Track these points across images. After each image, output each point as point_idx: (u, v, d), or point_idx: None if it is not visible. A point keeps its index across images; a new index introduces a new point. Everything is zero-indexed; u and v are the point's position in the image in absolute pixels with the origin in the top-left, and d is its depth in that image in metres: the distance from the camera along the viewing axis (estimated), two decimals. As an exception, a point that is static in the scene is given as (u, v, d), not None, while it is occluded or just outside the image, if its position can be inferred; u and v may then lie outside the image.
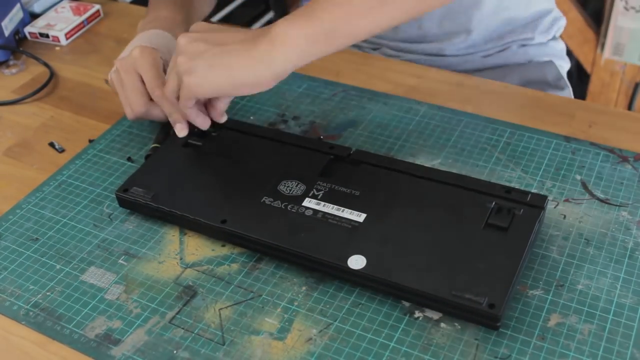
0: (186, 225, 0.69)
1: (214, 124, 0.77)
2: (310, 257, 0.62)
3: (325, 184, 0.69)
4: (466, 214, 0.64)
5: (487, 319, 0.57)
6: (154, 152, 0.77)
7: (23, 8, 1.05)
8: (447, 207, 0.65)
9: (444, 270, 0.59)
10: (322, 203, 0.67)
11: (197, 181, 0.72)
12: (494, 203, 0.64)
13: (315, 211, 0.66)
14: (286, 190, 0.68)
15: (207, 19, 1.11)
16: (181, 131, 0.75)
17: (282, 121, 0.84)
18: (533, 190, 0.71)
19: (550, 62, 1.03)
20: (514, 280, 0.58)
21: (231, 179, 0.71)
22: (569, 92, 1.03)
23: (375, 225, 0.64)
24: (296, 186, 0.69)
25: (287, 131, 0.82)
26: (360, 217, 0.65)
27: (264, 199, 0.68)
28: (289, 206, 0.67)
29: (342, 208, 0.66)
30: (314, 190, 0.68)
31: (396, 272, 0.60)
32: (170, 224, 0.71)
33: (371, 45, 1.05)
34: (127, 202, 0.71)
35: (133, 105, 0.77)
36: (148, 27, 0.84)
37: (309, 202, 0.67)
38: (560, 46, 1.08)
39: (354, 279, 0.61)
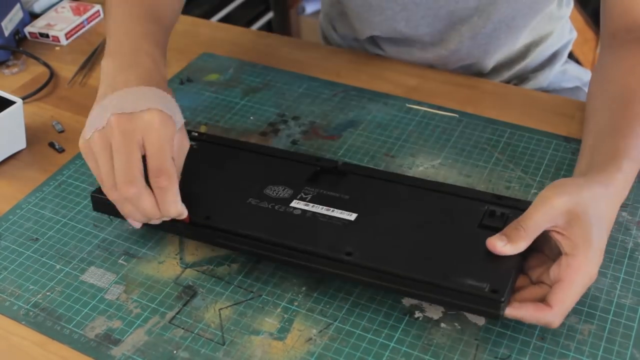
0: (166, 227, 0.65)
1: (195, 138, 0.75)
2: (303, 249, 0.60)
3: (313, 189, 0.67)
4: (459, 216, 0.63)
5: (489, 306, 0.54)
6: None
7: (23, 8, 1.05)
8: (440, 211, 0.64)
9: (443, 260, 0.58)
10: (311, 204, 0.65)
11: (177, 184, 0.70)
12: (486, 207, 0.63)
13: (305, 211, 0.64)
14: (273, 193, 0.67)
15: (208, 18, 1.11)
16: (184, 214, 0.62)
17: (282, 121, 0.84)
18: (533, 191, 0.71)
19: (579, 88, 0.99)
20: (515, 268, 0.56)
21: (214, 184, 0.69)
22: None
23: (368, 222, 0.63)
24: (283, 190, 0.67)
25: (287, 131, 0.82)
26: (351, 216, 0.63)
27: (249, 200, 0.66)
28: (277, 206, 0.65)
29: (332, 209, 0.64)
30: (302, 194, 0.66)
31: (394, 262, 0.58)
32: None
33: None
34: (102, 203, 0.66)
35: (125, 184, 0.59)
36: (134, 79, 0.64)
37: (297, 204, 0.65)
38: (574, 68, 1.03)
39: (350, 271, 0.59)
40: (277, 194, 0.67)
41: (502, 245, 0.56)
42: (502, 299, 0.54)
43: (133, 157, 0.59)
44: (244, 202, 0.66)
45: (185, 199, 0.63)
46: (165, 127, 0.60)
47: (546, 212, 0.56)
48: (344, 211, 0.64)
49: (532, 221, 0.56)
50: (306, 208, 0.65)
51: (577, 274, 0.54)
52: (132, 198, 0.60)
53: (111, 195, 0.61)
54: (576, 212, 0.55)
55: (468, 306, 0.56)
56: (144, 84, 0.64)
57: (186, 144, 0.64)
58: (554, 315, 0.54)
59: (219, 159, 0.73)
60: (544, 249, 0.59)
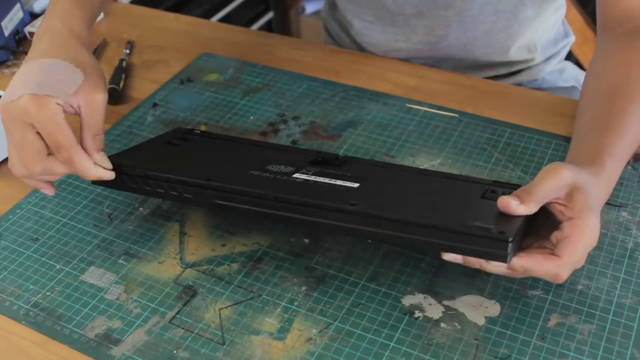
0: (167, 195, 0.65)
1: (197, 134, 0.77)
2: (306, 203, 0.58)
3: (314, 168, 0.67)
4: (462, 191, 0.64)
5: (496, 247, 0.53)
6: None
7: (23, 8, 1.05)
8: (443, 188, 0.65)
9: (449, 209, 0.58)
10: (314, 177, 0.65)
11: (179, 158, 0.70)
12: (488, 187, 0.63)
13: (307, 180, 0.64)
14: (274, 169, 0.66)
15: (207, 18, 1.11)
16: (107, 175, 0.64)
17: (282, 121, 0.84)
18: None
19: (574, 88, 1.00)
20: (523, 217, 0.55)
21: (215, 161, 0.69)
22: None
23: (372, 188, 0.62)
24: (285, 168, 0.67)
25: (287, 131, 0.82)
26: (354, 185, 0.63)
27: (251, 171, 0.66)
28: (278, 176, 0.64)
29: (335, 180, 0.64)
30: (304, 170, 0.66)
31: (399, 210, 0.57)
32: (170, 224, 0.71)
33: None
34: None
35: (28, 164, 0.63)
36: (40, 52, 0.67)
37: (299, 176, 0.65)
38: (572, 69, 1.04)
39: (354, 222, 0.57)
40: (279, 169, 0.66)
41: (516, 204, 0.55)
42: (510, 239, 0.52)
43: (27, 139, 0.62)
44: (246, 173, 0.65)
45: (184, 168, 0.65)
46: (41, 108, 0.61)
47: (555, 180, 0.56)
48: (346, 182, 0.64)
49: (542, 187, 0.56)
50: (309, 179, 0.64)
51: (584, 232, 0.54)
52: (41, 172, 0.63)
53: (20, 173, 0.65)
54: (578, 185, 0.56)
55: (475, 249, 0.54)
56: (51, 50, 0.66)
57: (97, 98, 0.65)
58: (562, 265, 0.54)
59: (220, 148, 0.73)
60: (539, 232, 0.59)
